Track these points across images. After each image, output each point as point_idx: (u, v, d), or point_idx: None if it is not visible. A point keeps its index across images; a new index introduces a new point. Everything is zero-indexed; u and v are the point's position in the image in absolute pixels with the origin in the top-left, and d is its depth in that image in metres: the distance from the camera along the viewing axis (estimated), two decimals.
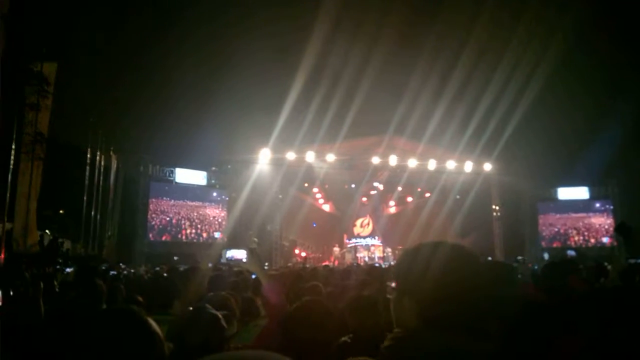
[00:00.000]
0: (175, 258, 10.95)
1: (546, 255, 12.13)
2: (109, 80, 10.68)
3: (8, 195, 6.37)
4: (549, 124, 12.82)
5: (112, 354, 0.86)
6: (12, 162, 6.15)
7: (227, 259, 10.72)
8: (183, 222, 13.75)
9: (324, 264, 12.53)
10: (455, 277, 0.90)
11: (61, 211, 9.97)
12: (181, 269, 5.73)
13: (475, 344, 0.85)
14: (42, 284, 2.89)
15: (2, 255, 5.92)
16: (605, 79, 12.43)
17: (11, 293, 3.13)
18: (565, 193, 15.50)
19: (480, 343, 0.85)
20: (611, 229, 14.34)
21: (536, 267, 7.47)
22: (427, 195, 14.48)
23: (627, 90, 11.85)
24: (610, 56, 11.59)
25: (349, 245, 14.55)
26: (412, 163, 13.51)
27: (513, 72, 10.77)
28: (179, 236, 13.55)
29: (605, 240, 14.78)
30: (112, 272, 6.94)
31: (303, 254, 14.12)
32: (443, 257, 0.91)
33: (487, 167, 13.96)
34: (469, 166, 13.80)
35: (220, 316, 1.77)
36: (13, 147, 6.26)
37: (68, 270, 6.10)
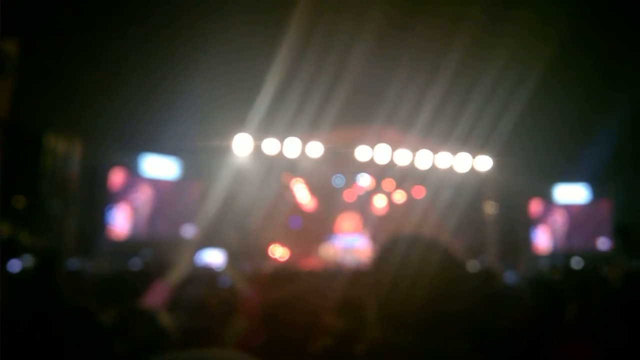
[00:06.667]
0: (143, 253, 10.90)
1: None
2: (74, 61, 10.58)
3: None
4: (548, 119, 13.06)
5: (59, 353, 0.94)
6: None
7: (200, 263, 10.61)
8: (151, 214, 13.71)
9: (304, 265, 12.62)
10: (431, 278, 0.98)
11: (20, 200, 9.93)
12: (151, 265, 5.80)
13: (453, 346, 0.95)
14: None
15: None
16: (605, 71, 12.73)
17: None
18: (564, 191, 15.83)
19: (456, 345, 0.95)
20: (610, 230, 14.68)
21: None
22: (419, 191, 14.57)
23: (630, 83, 12.18)
24: (612, 49, 11.87)
25: (331, 244, 14.43)
26: (404, 156, 13.61)
27: (510, 63, 10.94)
28: (147, 230, 13.53)
29: (604, 242, 15.12)
30: (73, 267, 6.97)
31: (281, 254, 14.07)
32: (417, 256, 0.98)
33: (483, 162, 14.14)
34: (463, 161, 13.98)
35: (155, 313, 1.87)
36: None
37: (20, 264, 6.10)
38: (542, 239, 15.70)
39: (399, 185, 14.72)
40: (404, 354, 0.98)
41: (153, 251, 11.23)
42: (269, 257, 13.80)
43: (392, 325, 0.99)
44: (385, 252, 1.04)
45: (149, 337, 1.75)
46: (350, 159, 13.75)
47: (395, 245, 1.05)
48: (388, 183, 14.57)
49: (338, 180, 14.87)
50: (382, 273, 1.04)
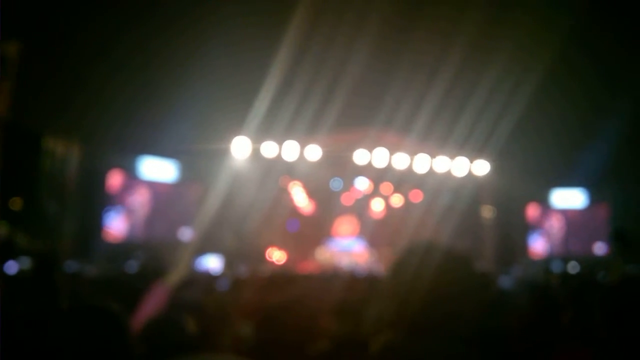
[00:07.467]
0: (138, 256, 10.89)
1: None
2: (73, 63, 10.59)
3: None
4: (545, 123, 13.10)
5: (84, 353, 0.94)
6: None
7: (199, 269, 10.56)
8: (149, 216, 13.70)
9: (301, 268, 12.62)
10: (446, 284, 1.02)
11: (17, 202, 9.92)
12: (148, 267, 5.80)
13: (462, 349, 0.97)
14: None
15: None
16: (603, 76, 12.78)
17: None
18: (561, 196, 15.86)
19: (466, 348, 0.98)
20: (607, 235, 14.67)
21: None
22: (416, 194, 14.58)
23: (628, 88, 12.23)
24: (609, 54, 11.93)
25: (328, 248, 14.45)
26: (401, 159, 13.64)
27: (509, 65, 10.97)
28: (144, 232, 13.52)
29: (600, 247, 15.13)
30: (70, 270, 6.97)
31: (278, 257, 14.08)
32: (435, 263, 1.02)
33: (480, 167, 14.16)
34: (461, 165, 14.00)
35: (181, 320, 1.88)
36: None
37: (16, 266, 6.10)
38: (539, 244, 15.72)
39: (397, 189, 14.72)
40: (415, 355, 1.01)
41: (148, 253, 11.21)
42: (267, 260, 13.80)
43: (406, 328, 1.02)
44: (405, 257, 1.08)
45: (175, 345, 1.74)
46: (348, 162, 13.76)
47: (414, 251, 1.09)
48: (386, 187, 14.57)
49: (336, 184, 14.88)
50: (400, 278, 1.08)
